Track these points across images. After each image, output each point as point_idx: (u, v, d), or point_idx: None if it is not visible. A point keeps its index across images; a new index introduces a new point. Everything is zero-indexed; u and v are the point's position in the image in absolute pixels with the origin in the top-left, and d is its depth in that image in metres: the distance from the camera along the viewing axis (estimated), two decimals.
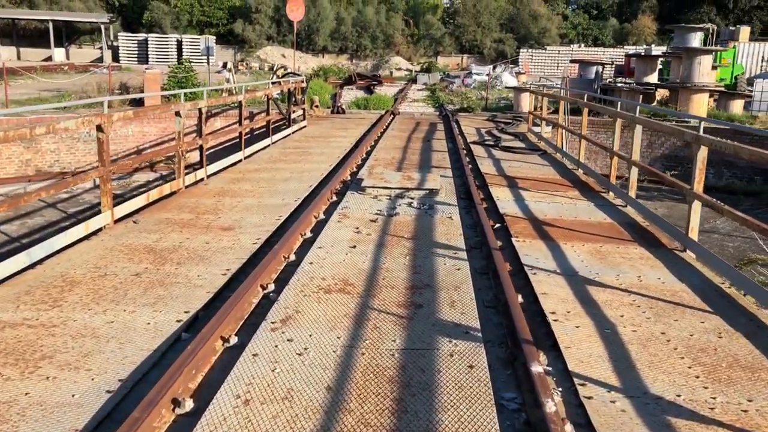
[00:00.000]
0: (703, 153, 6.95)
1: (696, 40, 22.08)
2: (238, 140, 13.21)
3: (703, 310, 5.43)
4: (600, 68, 23.84)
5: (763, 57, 38.05)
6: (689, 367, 4.40)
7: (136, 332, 4.72)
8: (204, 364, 4.32)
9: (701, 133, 6.94)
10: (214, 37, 50.21)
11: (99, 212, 7.50)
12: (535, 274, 6.12)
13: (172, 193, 9.31)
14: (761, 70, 37.89)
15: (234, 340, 4.72)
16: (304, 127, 17.56)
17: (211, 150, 18.12)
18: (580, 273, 6.20)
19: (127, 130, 19.21)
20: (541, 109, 17.93)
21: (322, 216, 8.25)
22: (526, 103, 21.48)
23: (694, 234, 7.06)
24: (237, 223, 7.75)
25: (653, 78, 22.69)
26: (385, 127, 18.22)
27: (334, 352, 4.42)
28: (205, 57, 22.20)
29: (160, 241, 6.97)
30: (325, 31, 53.42)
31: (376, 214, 8.24)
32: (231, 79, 24.52)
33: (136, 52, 48.19)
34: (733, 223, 16.78)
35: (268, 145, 14.09)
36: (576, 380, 4.19)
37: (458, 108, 23.31)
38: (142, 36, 49.12)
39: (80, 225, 6.95)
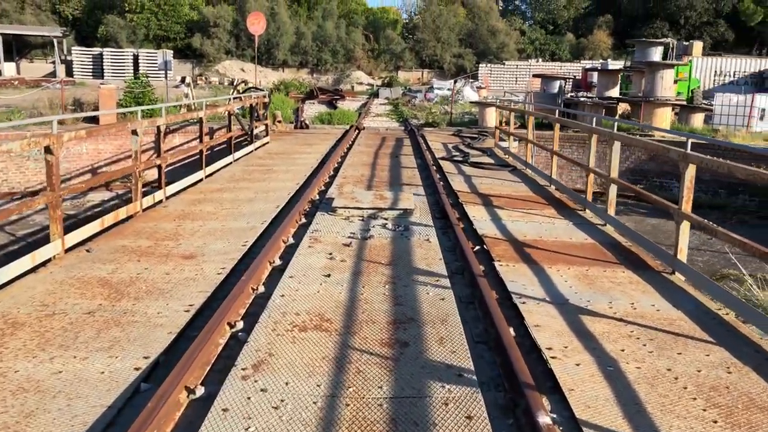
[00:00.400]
0: (691, 171, 6.66)
1: (656, 54, 22.23)
2: (198, 157, 12.58)
3: (705, 340, 5.07)
4: (563, 83, 23.88)
5: (715, 71, 38.83)
6: (704, 410, 4.02)
7: (88, 384, 4.13)
8: (167, 422, 3.77)
9: (689, 150, 6.65)
10: (172, 52, 49.31)
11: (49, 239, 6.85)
12: (524, 303, 5.70)
13: (128, 218, 8.67)
14: (714, 84, 38.66)
15: (200, 390, 4.17)
16: (268, 143, 16.99)
17: (171, 167, 17.42)
18: (571, 301, 5.81)
19: (80, 148, 18.36)
20: (508, 123, 17.71)
21: (291, 240, 7.72)
22: (491, 117, 21.30)
23: (682, 256, 6.75)
24: (200, 250, 7.17)
25: (615, 92, 22.76)
26: (351, 142, 17.76)
27: (314, 403, 3.91)
28: (163, 71, 21.46)
29: (116, 272, 6.35)
30: (285, 46, 52.88)
31: (350, 237, 7.76)
32: (190, 94, 23.80)
33: (91, 67, 46.92)
34: (701, 236, 16.80)
35: (230, 163, 13.49)
36: (586, 430, 3.76)
37: (423, 123, 23.01)
38: (97, 50, 47.86)
39: (26, 256, 6.29)
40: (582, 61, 53.90)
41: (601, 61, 51.59)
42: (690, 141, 6.72)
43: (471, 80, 47.09)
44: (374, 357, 4.55)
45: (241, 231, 7.99)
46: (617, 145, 8.83)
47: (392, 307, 5.50)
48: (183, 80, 23.98)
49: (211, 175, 12.13)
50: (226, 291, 5.80)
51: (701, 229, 6.47)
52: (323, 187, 11.22)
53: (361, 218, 8.70)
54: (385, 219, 8.65)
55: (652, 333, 5.17)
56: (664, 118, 19.83)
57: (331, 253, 7.05)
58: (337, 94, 35.59)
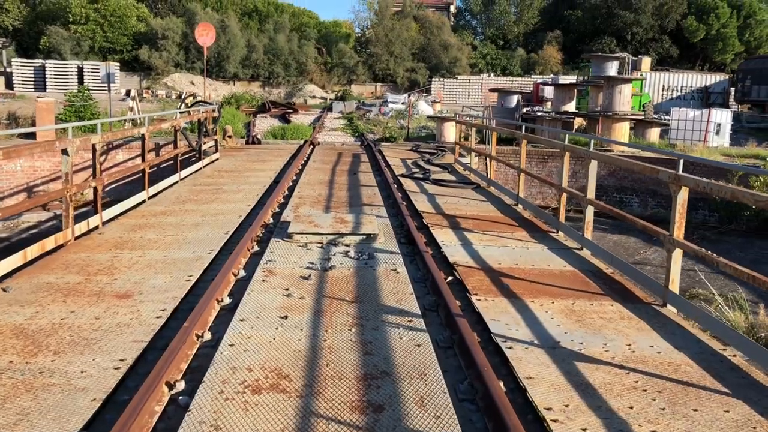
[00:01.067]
0: (683, 195, 6.07)
1: (612, 68, 22.09)
2: (141, 176, 11.58)
3: (720, 392, 4.43)
4: (520, 97, 23.53)
5: (663, 86, 39.36)
6: None
7: None
8: None
9: (680, 171, 6.06)
10: (118, 64, 47.58)
11: None
12: (511, 348, 4.97)
13: (59, 247, 7.67)
14: (663, 98, 39.17)
15: None
16: (217, 159, 16.02)
17: (112, 186, 16.30)
18: (562, 343, 5.11)
19: (14, 165, 17.04)
20: (467, 139, 17.16)
21: (242, 273, 6.85)
22: (450, 132, 20.76)
23: (675, 287, 6.15)
24: (137, 287, 6.25)
25: (571, 106, 22.53)
26: (306, 158, 16.93)
27: None
28: (109, 84, 20.27)
29: (36, 317, 5.39)
30: (236, 58, 51.71)
31: (308, 267, 6.94)
32: (135, 108, 22.60)
33: (33, 79, 44.83)
34: (664, 253, 16.49)
35: (177, 182, 12.50)
36: None
37: (380, 138, 22.32)
38: (38, 62, 45.81)
39: None
40: (533, 76, 54.27)
41: (552, 75, 51.98)
42: (682, 161, 6.14)
43: (425, 94, 46.79)
44: (344, 427, 3.75)
45: (185, 262, 7.08)
46: (594, 164, 8.27)
47: (361, 357, 4.70)
48: (128, 93, 22.74)
49: (154, 195, 11.14)
50: (166, 339, 4.93)
51: (701, 259, 5.87)
52: (277, 209, 10.37)
53: (320, 245, 7.89)
54: (347, 246, 7.85)
55: (658, 383, 4.50)
56: (622, 132, 19.61)
57: (287, 289, 6.21)
58: (289, 108, 34.65)
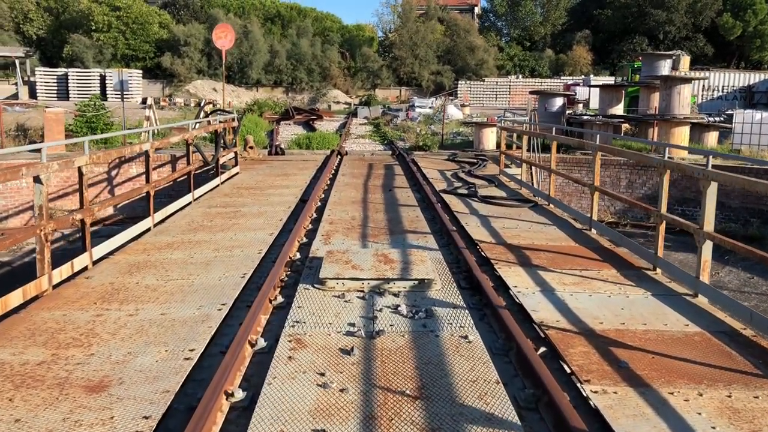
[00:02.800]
0: None
1: (666, 67, 20.06)
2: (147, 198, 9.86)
3: None
4: (565, 100, 21.54)
5: (703, 86, 37.03)
6: None
7: None
8: None
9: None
10: (140, 71, 46.44)
11: None
12: None
13: (33, 299, 5.96)
14: (703, 99, 36.85)
15: None
16: (237, 174, 14.32)
17: (124, 203, 14.71)
18: None
19: (19, 182, 15.49)
20: (510, 147, 15.28)
21: (261, 342, 5.06)
22: (489, 139, 18.88)
23: None
24: (118, 370, 4.49)
25: (619, 109, 20.50)
26: (334, 171, 15.16)
27: None
28: (122, 92, 18.69)
29: None
30: (259, 64, 50.26)
31: (348, 333, 5.13)
32: (152, 117, 21.05)
33: (56, 88, 43.81)
34: (740, 275, 14.45)
35: (189, 203, 10.79)
36: None
37: (411, 146, 20.48)
38: (61, 71, 44.80)
39: None
40: (562, 77, 52.11)
41: (582, 76, 49.81)
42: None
43: (451, 98, 44.88)
44: None
45: (188, 325, 5.31)
46: (714, 188, 6.31)
47: None
48: (145, 101, 21.17)
49: (162, 221, 9.44)
50: None
51: None
52: (305, 238, 8.60)
53: (360, 295, 6.08)
54: (396, 295, 6.04)
55: None
56: (682, 137, 17.55)
57: (323, 374, 4.41)
58: (314, 114, 33.01)
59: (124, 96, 21.85)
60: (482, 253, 7.78)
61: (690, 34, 52.74)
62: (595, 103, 28.35)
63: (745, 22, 49.64)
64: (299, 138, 20.28)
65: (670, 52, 22.77)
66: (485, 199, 11.22)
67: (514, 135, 14.89)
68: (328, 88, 50.54)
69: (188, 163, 11.07)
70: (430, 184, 13.06)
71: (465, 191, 12.32)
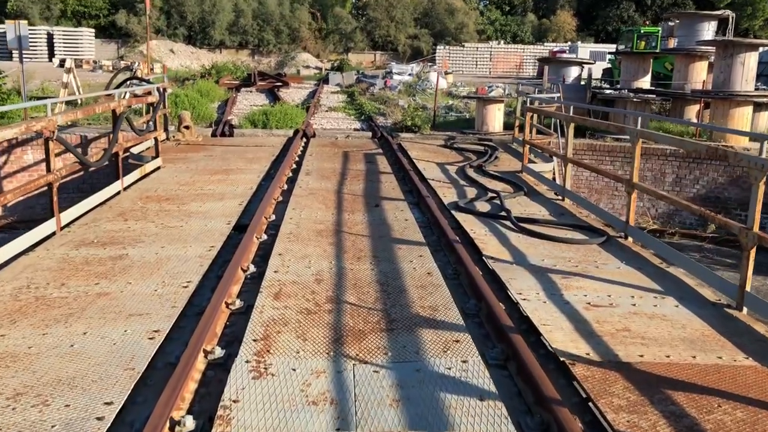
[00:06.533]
0: None
1: (708, 31, 15.88)
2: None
3: None
4: (589, 69, 17.17)
5: None
6: None
7: None
8: None
9: None
10: (93, 31, 40.86)
11: None
12: None
13: None
14: None
15: None
16: (156, 170, 9.79)
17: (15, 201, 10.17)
18: None
19: None
20: (522, 128, 10.96)
21: None
22: (494, 118, 14.51)
23: None
24: None
25: (646, 82, 16.32)
26: (295, 165, 10.72)
27: None
28: (21, 50, 13.79)
29: None
30: (222, 24, 44.80)
31: None
32: (72, 84, 16.22)
33: None
34: None
35: (39, 243, 6.30)
36: None
37: (395, 124, 16.01)
38: (1, 28, 38.90)
39: None
40: (546, 44, 47.67)
41: (568, 43, 45.42)
42: None
43: (430, 64, 40.20)
44: None
45: None
46: None
47: None
48: (62, 64, 16.30)
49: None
50: None
51: None
52: (221, 352, 4.22)
53: None
54: None
55: None
56: (744, 120, 13.44)
57: None
58: (279, 80, 28.16)
59: (16, 54, 16.71)
60: (580, 385, 3.56)
61: (679, 1, 48.59)
62: (597, 74, 24.11)
63: None
64: (254, 114, 15.63)
65: (716, 12, 18.36)
66: (525, 228, 6.91)
67: (569, 125, 10.57)
68: (297, 52, 45.33)
69: (48, 170, 6.48)
70: (432, 192, 8.72)
71: (487, 205, 8.04)
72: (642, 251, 6.46)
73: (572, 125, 8.63)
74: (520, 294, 5.09)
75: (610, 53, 29.51)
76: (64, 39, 39.96)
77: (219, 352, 4.06)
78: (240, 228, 6.80)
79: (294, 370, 3.78)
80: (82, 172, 10.94)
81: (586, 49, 39.41)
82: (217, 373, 3.87)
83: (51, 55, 37.08)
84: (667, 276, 5.71)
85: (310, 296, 4.94)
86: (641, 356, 4.09)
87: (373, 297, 4.96)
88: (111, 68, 18.65)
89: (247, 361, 3.86)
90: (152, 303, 4.73)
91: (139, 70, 15.91)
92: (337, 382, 3.67)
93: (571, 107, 8.78)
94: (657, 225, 12.69)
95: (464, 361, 3.94)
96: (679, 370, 3.94)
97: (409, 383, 3.68)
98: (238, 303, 4.85)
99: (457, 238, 6.43)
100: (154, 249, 6.00)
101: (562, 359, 4.01)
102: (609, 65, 27.32)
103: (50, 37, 39.59)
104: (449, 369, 3.84)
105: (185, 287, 5.04)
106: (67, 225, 6.76)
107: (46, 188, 6.60)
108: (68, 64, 16.44)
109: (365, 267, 5.64)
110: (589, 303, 4.98)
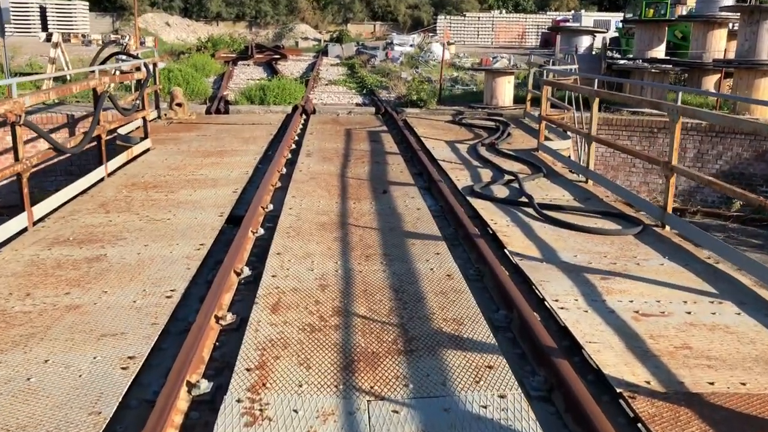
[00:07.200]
0: None
1: None
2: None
3: None
4: (604, 39, 16.20)
5: None
6: None
7: None
8: None
9: None
10: (87, 3, 39.66)
11: None
12: None
13: None
14: None
15: None
16: (145, 152, 9.02)
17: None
18: None
19: None
20: (538, 102, 10.10)
21: None
22: (504, 92, 13.66)
23: None
24: None
25: (660, 51, 15.42)
26: (294, 145, 9.95)
27: None
28: (1, 24, 12.90)
29: None
30: None
31: None
32: (61, 59, 15.33)
33: None
34: None
35: (22, 232, 5.59)
36: None
37: (400, 98, 15.14)
38: None
39: None
40: (548, 13, 46.37)
41: (572, 12, 44.12)
42: None
43: (430, 34, 39.04)
44: None
45: None
46: None
47: None
48: (49, 38, 15.39)
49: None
50: None
51: None
52: (206, 387, 3.52)
53: None
54: None
55: None
56: None
57: None
58: (276, 53, 27.18)
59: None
60: None
61: None
62: (598, 42, 22.97)
63: None
64: (251, 89, 14.75)
65: None
66: (548, 216, 6.17)
67: (548, 90, 9.73)
68: (295, 23, 44.10)
69: (16, 159, 5.73)
70: (444, 175, 7.97)
71: (505, 189, 7.30)
72: (684, 243, 5.73)
73: (597, 100, 7.83)
74: (557, 300, 4.38)
75: (621, 21, 28.34)
76: (57, 12, 38.71)
77: (205, 386, 3.35)
78: (234, 220, 6.06)
79: (296, 411, 3.08)
80: (69, 155, 10.18)
81: (590, 18, 38.15)
82: (203, 413, 3.18)
83: (45, 29, 35.98)
84: (719, 274, 4.99)
85: (313, 307, 4.22)
86: (711, 384, 3.39)
87: (386, 307, 4.24)
88: (101, 42, 17.74)
89: (238, 401, 3.15)
90: (129, 319, 4.01)
91: (128, 44, 15.00)
92: (349, 427, 2.97)
93: (596, 81, 7.95)
94: (677, 203, 11.95)
95: (502, 396, 3.23)
96: (761, 404, 3.23)
97: (436, 427, 2.98)
98: (230, 317, 4.13)
99: (477, 230, 5.70)
100: (137, 248, 5.27)
101: (618, 390, 3.31)
102: (616, 34, 26.27)
103: (43, 11, 38.35)
104: (485, 407, 3.14)
105: (169, 297, 4.33)
106: (42, 219, 6.03)
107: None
108: (55, 38, 15.54)
109: (376, 268, 4.91)
110: (636, 311, 4.27)
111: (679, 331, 4.02)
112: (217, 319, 4.09)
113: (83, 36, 18.70)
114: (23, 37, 30.59)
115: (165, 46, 30.83)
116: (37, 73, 14.23)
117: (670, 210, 6.16)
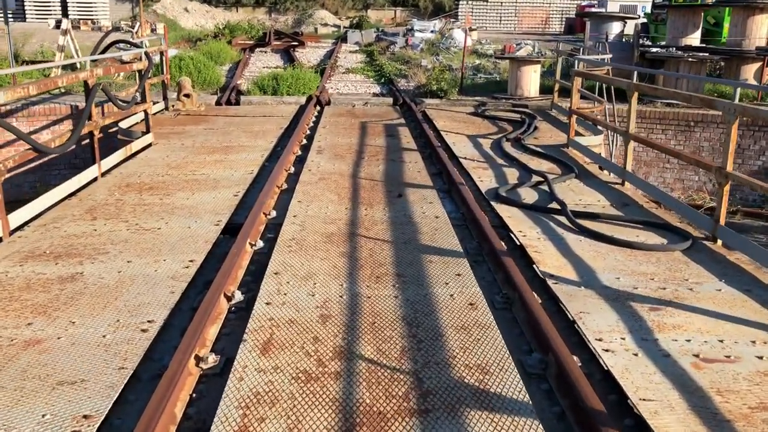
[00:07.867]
0: None
1: None
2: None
3: None
4: (636, 25, 15.24)
5: None
6: None
7: None
8: None
9: None
10: None
11: None
12: None
13: None
14: None
15: None
16: (146, 148, 8.40)
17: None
18: None
19: None
20: (564, 92, 9.27)
21: None
22: (530, 82, 12.82)
23: None
24: None
25: (695, 39, 14.42)
26: (305, 139, 9.26)
27: None
28: (5, 9, 12.27)
29: None
30: None
31: None
32: (70, 47, 14.76)
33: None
34: None
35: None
36: None
37: (419, 88, 14.33)
38: None
39: None
40: None
41: None
42: None
43: (452, 20, 37.99)
44: None
45: None
46: None
47: None
48: (59, 25, 14.83)
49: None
50: None
51: None
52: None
53: None
54: None
55: None
56: None
57: None
58: (294, 40, 26.45)
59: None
60: None
61: None
62: (629, 29, 21.75)
63: None
64: (263, 79, 14.04)
65: None
66: (590, 231, 5.42)
67: (578, 80, 8.88)
68: (315, 9, 43.26)
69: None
70: (466, 175, 7.24)
71: (534, 193, 6.55)
72: (741, 261, 4.96)
73: (635, 94, 7.03)
74: (600, 340, 3.66)
75: (654, 6, 27.02)
76: None
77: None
78: (231, 230, 5.41)
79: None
80: (74, 146, 9.60)
81: (615, 3, 36.74)
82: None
83: (65, 15, 35.55)
84: None
85: (311, 346, 3.55)
86: None
87: (397, 347, 3.56)
88: (111, 29, 17.17)
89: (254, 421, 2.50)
90: (94, 360, 3.38)
91: (138, 31, 14.36)
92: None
93: (635, 73, 7.12)
94: (714, 201, 11.07)
95: None
96: None
97: None
98: (212, 360, 3.47)
99: (503, 244, 4.98)
100: (118, 264, 4.64)
101: None
102: (644, 20, 25.05)
103: None
104: None
105: (144, 331, 3.68)
106: (22, 227, 5.43)
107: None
108: (64, 25, 14.95)
109: (387, 293, 4.23)
110: (696, 355, 3.53)
111: (752, 383, 3.28)
112: (198, 360, 3.44)
113: (93, 22, 18.08)
114: (38, 24, 30.12)
115: (183, 33, 30.26)
116: (43, 62, 13.67)
117: (722, 221, 5.38)
